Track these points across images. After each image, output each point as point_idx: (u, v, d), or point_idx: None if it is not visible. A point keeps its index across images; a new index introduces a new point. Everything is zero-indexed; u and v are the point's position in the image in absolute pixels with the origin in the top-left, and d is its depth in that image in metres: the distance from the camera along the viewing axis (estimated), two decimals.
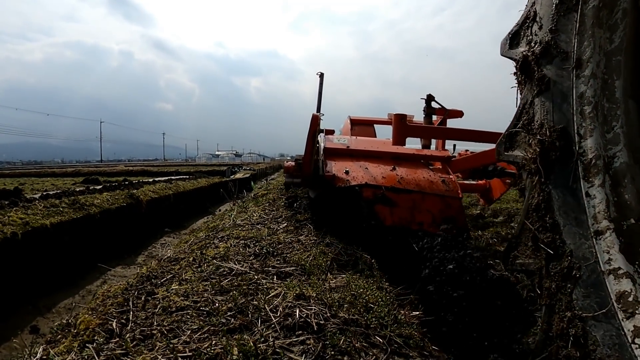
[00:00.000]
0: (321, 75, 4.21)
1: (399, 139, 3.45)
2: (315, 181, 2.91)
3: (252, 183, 14.63)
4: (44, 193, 4.62)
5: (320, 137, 3.23)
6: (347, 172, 2.68)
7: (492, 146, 3.91)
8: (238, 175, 15.45)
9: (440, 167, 3.12)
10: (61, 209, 4.15)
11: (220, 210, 8.82)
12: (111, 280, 4.10)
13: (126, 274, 4.34)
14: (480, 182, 4.77)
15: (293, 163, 3.60)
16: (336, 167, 2.77)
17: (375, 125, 5.30)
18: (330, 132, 3.83)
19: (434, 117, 4.34)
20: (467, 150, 4.65)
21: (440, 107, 4.09)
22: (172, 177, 9.07)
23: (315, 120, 2.73)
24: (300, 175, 3.28)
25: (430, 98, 3.89)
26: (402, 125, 3.42)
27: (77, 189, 5.21)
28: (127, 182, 6.99)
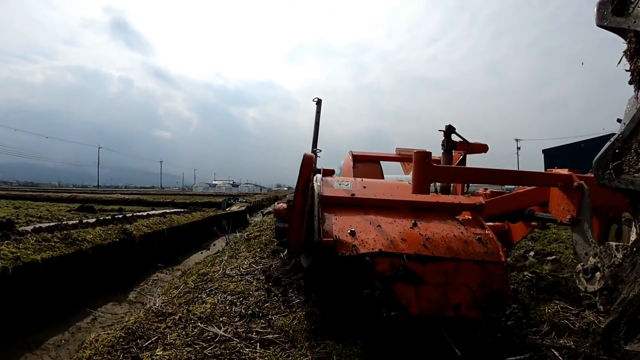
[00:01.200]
0: (318, 102, 3.59)
1: (421, 186, 2.53)
2: (309, 244, 2.15)
3: (247, 216, 14.65)
4: (37, 226, 4.59)
5: (316, 180, 2.68)
6: (352, 234, 2.01)
7: (524, 187, 3.57)
8: (234, 208, 15.43)
9: (470, 217, 2.43)
10: (53, 244, 4.13)
11: (214, 245, 8.79)
12: (101, 317, 4.06)
13: (117, 311, 4.29)
14: (497, 223, 3.93)
15: (284, 205, 3.35)
16: (338, 225, 2.12)
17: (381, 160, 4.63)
18: (329, 172, 3.18)
19: (454, 152, 3.77)
20: (486, 190, 3.99)
21: (461, 140, 3.50)
22: (167, 211, 9.05)
23: (309, 163, 2.17)
24: (289, 240, 2.90)
25: (450, 130, 3.25)
26: (426, 168, 2.45)
27: (70, 223, 5.17)
28: (121, 215, 6.95)
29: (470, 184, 4.35)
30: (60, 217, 10.39)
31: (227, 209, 15.52)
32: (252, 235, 4.71)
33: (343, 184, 2.71)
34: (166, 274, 6.04)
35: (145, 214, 7.75)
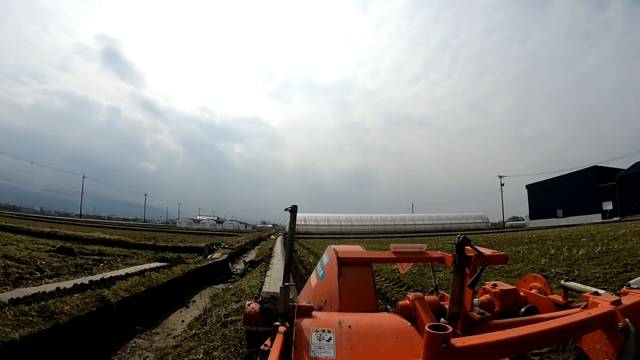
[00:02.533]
0: (293, 210, 2.64)
1: None
2: None
3: (229, 265, 14.59)
4: (14, 297, 4.57)
5: (281, 334, 2.04)
6: None
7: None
8: (216, 255, 15.37)
9: None
10: (31, 318, 4.12)
11: (194, 302, 8.73)
12: None
13: None
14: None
15: (256, 307, 3.20)
16: None
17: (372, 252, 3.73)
18: (305, 310, 2.30)
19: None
20: (495, 286, 3.52)
21: (477, 254, 2.68)
22: (146, 267, 8.99)
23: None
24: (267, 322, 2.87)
25: (464, 242, 2.51)
26: (444, 355, 1.52)
27: (47, 291, 5.14)
28: (98, 279, 6.91)
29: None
30: (39, 260, 10.32)
31: (209, 256, 15.47)
32: (230, 317, 4.70)
33: (324, 341, 2.03)
34: (144, 339, 5.97)
35: (124, 273, 7.69)
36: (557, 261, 9.63)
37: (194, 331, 4.68)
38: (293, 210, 2.46)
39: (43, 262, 10.05)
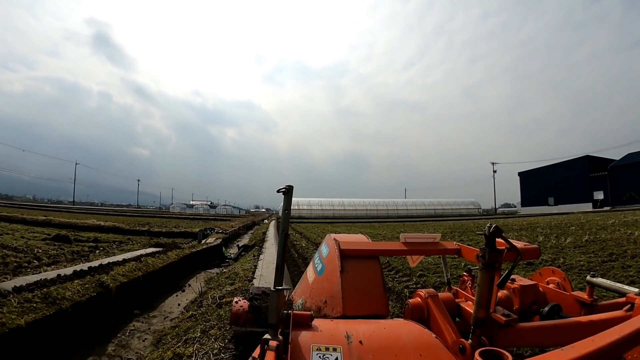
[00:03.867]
0: (287, 191, 2.11)
1: None
2: None
3: (223, 249, 14.81)
4: (18, 285, 4.75)
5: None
6: None
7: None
8: (210, 240, 15.57)
9: None
10: (35, 305, 4.31)
11: (189, 286, 8.95)
12: None
13: None
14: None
15: (244, 305, 2.96)
16: None
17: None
18: (303, 319, 1.88)
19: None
20: (513, 281, 3.00)
21: (509, 247, 2.33)
22: (142, 253, 9.19)
23: None
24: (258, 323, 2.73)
25: (496, 233, 2.09)
26: None
27: (49, 277, 5.34)
28: (97, 265, 7.09)
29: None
30: (36, 248, 10.44)
31: (203, 241, 15.67)
32: (225, 299, 4.91)
33: (326, 355, 1.66)
34: (142, 322, 6.19)
35: (121, 259, 7.89)
36: (544, 248, 9.85)
37: (190, 312, 4.90)
38: (288, 191, 1.97)
39: (40, 251, 10.18)
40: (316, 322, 1.87)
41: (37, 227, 18.04)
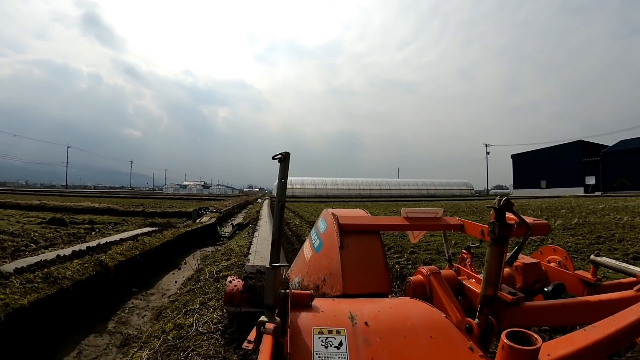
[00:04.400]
0: (284, 158, 1.92)
1: None
2: None
3: (218, 228, 14.95)
4: (19, 267, 4.86)
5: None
6: None
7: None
8: (204, 219, 15.70)
9: None
10: (37, 285, 4.42)
11: (185, 263, 9.11)
12: (85, 350, 4.36)
13: (98, 343, 4.59)
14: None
15: (238, 284, 2.89)
16: None
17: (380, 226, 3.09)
18: (302, 299, 1.74)
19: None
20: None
21: (518, 221, 2.22)
22: (139, 233, 9.31)
23: None
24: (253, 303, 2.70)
25: (506, 207, 1.95)
26: None
27: (49, 258, 5.45)
28: (95, 245, 7.19)
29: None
30: (32, 232, 10.53)
31: (197, 220, 15.78)
32: (221, 273, 5.05)
33: (332, 348, 1.50)
34: (141, 299, 6.33)
35: (118, 238, 8.01)
36: None
37: (188, 287, 5.04)
38: (284, 158, 1.79)
39: (37, 234, 10.25)
40: (317, 301, 1.72)
41: (32, 212, 18.07)
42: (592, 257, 2.83)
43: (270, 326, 1.43)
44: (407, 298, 2.01)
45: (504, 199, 1.93)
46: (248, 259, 6.08)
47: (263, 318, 1.47)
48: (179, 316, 3.57)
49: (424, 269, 2.49)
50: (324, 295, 2.45)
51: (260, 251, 7.02)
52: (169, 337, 3.02)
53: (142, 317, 5.49)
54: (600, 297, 2.24)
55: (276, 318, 1.49)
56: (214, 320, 3.22)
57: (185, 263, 9.27)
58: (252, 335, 1.52)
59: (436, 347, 1.53)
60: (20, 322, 3.91)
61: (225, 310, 3.32)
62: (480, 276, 2.53)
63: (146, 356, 2.62)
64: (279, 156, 1.80)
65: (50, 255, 5.88)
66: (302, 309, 1.65)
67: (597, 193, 55.61)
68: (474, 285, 2.57)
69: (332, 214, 2.91)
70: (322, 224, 3.00)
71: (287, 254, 8.75)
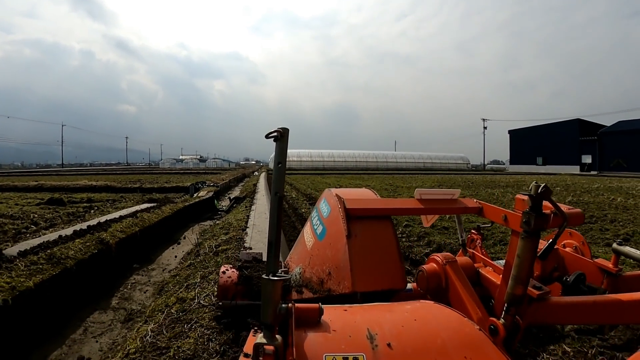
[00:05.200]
0: (282, 136, 1.41)
1: None
2: None
3: (215, 202, 15.06)
4: (22, 249, 4.95)
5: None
6: None
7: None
8: (202, 194, 15.79)
9: None
10: (41, 266, 4.52)
11: (184, 238, 9.25)
12: (91, 327, 4.51)
13: (103, 319, 4.73)
14: None
15: (233, 275, 2.73)
16: None
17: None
18: (308, 315, 1.36)
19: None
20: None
21: (554, 211, 1.90)
22: (138, 210, 9.40)
23: None
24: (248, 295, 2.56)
25: (544, 195, 1.73)
26: None
27: (52, 239, 5.54)
28: (95, 223, 7.28)
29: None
30: (32, 214, 10.58)
31: (195, 195, 15.87)
32: (220, 247, 5.16)
33: None
34: (142, 275, 6.47)
35: (117, 216, 8.11)
36: None
37: (189, 262, 5.15)
38: (282, 136, 1.41)
39: (36, 216, 10.30)
40: (327, 317, 1.38)
41: (30, 193, 18.05)
42: (614, 245, 2.57)
43: (270, 348, 1.21)
44: (429, 302, 1.62)
45: (542, 185, 1.69)
46: (246, 233, 6.19)
47: (261, 339, 1.23)
48: (181, 290, 3.68)
49: (439, 257, 2.32)
50: (329, 291, 2.19)
51: (257, 224, 7.14)
52: (172, 311, 3.13)
53: (144, 293, 5.63)
54: (633, 296, 1.98)
55: (277, 337, 1.25)
56: (215, 293, 3.33)
57: (184, 238, 9.42)
58: (249, 347, 1.30)
59: None
60: (27, 303, 4.02)
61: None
62: (497, 264, 2.53)
63: (151, 329, 2.74)
64: (275, 134, 1.39)
65: (52, 236, 5.96)
66: (309, 328, 1.33)
67: (593, 172, 55.93)
68: (492, 275, 2.41)
69: (337, 196, 2.54)
70: (325, 207, 2.64)
71: (285, 227, 8.87)
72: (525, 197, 1.89)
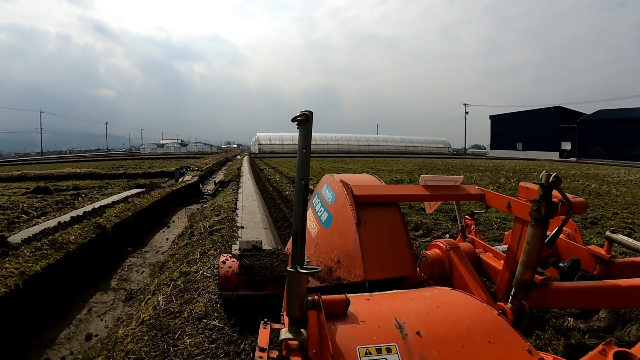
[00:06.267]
0: (306, 120, 1.30)
1: None
2: None
3: (200, 186, 15.23)
4: (25, 237, 5.15)
5: None
6: None
7: None
8: (187, 178, 15.94)
9: None
10: (45, 252, 4.75)
11: (173, 222, 9.50)
12: (95, 307, 4.77)
13: (105, 299, 5.00)
14: None
15: (234, 265, 2.68)
16: None
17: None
18: (336, 307, 1.34)
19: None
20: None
21: (562, 200, 1.98)
22: (128, 195, 9.61)
23: None
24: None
25: (555, 184, 1.76)
26: None
27: (51, 226, 5.77)
28: (90, 209, 7.49)
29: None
30: (20, 204, 10.60)
31: (180, 179, 16.00)
32: (214, 227, 5.43)
33: None
34: (137, 257, 6.74)
35: (110, 201, 8.33)
36: (503, 190, 10.43)
37: (185, 242, 5.43)
38: (307, 119, 1.29)
39: (25, 205, 10.32)
40: (354, 308, 1.35)
41: (14, 183, 17.85)
42: (607, 233, 2.61)
43: (295, 344, 1.19)
44: (446, 289, 1.64)
45: (553, 174, 1.71)
46: (237, 214, 6.47)
47: (286, 334, 1.19)
48: (183, 266, 3.97)
49: (441, 243, 2.35)
50: (338, 281, 2.17)
51: (246, 206, 7.42)
52: (178, 283, 3.43)
53: (141, 273, 5.92)
54: (631, 282, 2.03)
55: (302, 331, 1.21)
56: (216, 266, 3.62)
57: (174, 221, 9.69)
58: (263, 341, 1.34)
59: (496, 355, 1.27)
60: (35, 287, 4.26)
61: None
62: (497, 248, 2.64)
63: (161, 299, 3.04)
64: (301, 118, 1.30)
65: (51, 223, 6.17)
66: (337, 320, 1.29)
67: (572, 159, 56.84)
68: (493, 260, 2.47)
69: (342, 181, 2.48)
70: (329, 193, 2.56)
71: (270, 210, 9.15)
72: (531, 186, 2.00)
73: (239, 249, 3.05)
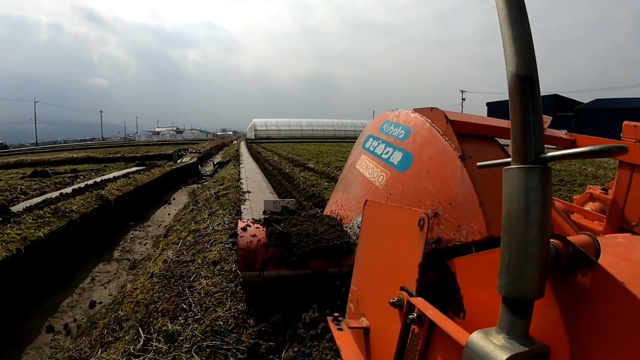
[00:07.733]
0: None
1: None
2: None
3: (199, 167, 15.10)
4: (27, 205, 5.03)
5: None
6: None
7: None
8: (185, 159, 15.80)
9: None
10: (48, 219, 4.63)
11: (174, 199, 9.38)
12: (98, 276, 4.67)
13: (108, 269, 4.90)
14: None
15: (260, 233, 1.89)
16: None
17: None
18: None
19: None
20: (606, 191, 2.67)
21: None
22: (129, 171, 9.49)
23: None
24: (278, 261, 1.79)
25: None
26: None
27: (54, 196, 5.64)
28: (92, 182, 7.35)
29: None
30: (19, 186, 10.41)
31: (178, 160, 15.87)
32: (220, 193, 5.32)
33: None
34: (139, 231, 6.64)
35: (112, 176, 8.20)
36: None
37: (190, 207, 5.32)
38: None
39: (24, 187, 10.16)
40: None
41: (11, 169, 17.66)
42: None
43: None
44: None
45: None
46: (241, 182, 6.35)
47: (509, 344, 0.68)
48: (191, 225, 3.87)
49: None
50: (437, 244, 1.54)
51: (250, 177, 7.31)
52: (188, 239, 3.33)
53: (144, 245, 5.80)
54: None
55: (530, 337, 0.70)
56: (226, 220, 3.53)
57: (174, 199, 9.55)
58: (345, 349, 1.03)
59: None
60: (37, 254, 4.13)
61: (233, 215, 3.22)
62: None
63: (171, 254, 2.93)
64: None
65: (54, 193, 6.05)
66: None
67: None
68: (585, 222, 2.37)
69: (420, 110, 1.91)
70: (397, 128, 1.97)
71: (272, 184, 9.05)
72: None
73: (264, 212, 2.26)
